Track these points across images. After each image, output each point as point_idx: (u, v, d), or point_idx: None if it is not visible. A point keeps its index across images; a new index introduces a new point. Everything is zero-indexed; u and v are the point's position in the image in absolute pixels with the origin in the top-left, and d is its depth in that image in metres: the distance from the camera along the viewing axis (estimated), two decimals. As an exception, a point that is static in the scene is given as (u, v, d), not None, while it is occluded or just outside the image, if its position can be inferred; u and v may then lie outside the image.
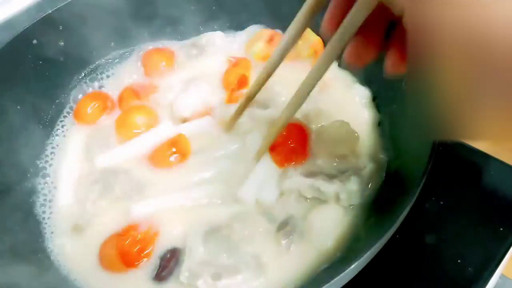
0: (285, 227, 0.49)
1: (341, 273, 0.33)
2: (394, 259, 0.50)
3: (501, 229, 0.52)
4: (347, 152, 0.53)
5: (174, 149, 0.56)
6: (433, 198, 0.54)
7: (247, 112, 0.55)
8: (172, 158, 0.56)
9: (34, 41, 0.61)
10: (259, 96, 0.53)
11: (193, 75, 0.66)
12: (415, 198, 0.39)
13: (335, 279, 0.33)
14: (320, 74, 0.41)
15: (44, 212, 0.55)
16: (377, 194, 0.50)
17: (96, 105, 0.64)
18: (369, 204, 0.50)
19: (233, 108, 0.56)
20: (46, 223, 0.54)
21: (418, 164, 0.40)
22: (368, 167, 0.51)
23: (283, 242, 0.48)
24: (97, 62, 0.69)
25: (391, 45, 0.33)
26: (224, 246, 0.48)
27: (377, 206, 0.49)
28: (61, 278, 0.49)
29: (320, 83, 0.42)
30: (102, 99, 0.65)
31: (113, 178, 0.55)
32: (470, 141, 0.59)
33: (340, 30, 0.34)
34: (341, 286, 0.38)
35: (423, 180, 0.39)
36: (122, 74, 0.69)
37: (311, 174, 0.51)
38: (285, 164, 0.54)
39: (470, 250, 0.50)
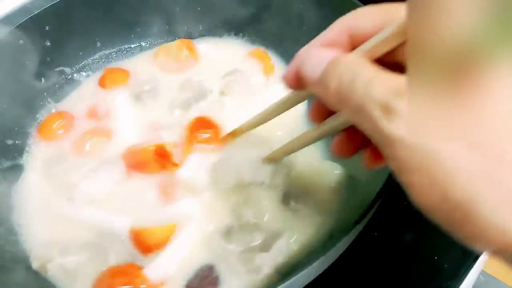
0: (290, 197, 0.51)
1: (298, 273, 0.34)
2: (372, 256, 0.51)
3: (478, 226, 0.52)
4: None
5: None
6: (412, 196, 0.55)
7: None
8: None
9: (21, 41, 0.62)
10: None
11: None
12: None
13: (300, 274, 0.34)
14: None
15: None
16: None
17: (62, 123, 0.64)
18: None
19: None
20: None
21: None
22: None
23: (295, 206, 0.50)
24: (83, 62, 0.70)
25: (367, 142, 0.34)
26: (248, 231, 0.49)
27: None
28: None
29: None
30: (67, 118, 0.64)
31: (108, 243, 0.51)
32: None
33: (321, 128, 0.36)
34: (309, 281, 0.38)
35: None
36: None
37: None
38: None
39: (447, 248, 0.51)
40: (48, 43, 0.65)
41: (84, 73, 0.69)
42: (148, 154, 0.55)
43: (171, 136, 0.59)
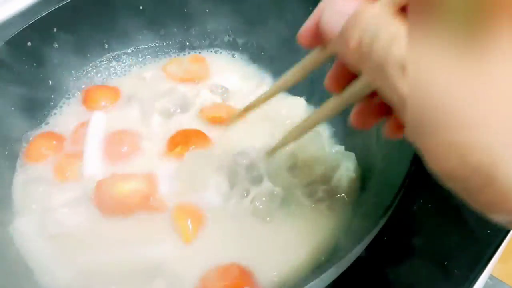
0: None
1: (316, 277, 0.34)
2: (381, 260, 0.50)
3: (488, 231, 0.52)
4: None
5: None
6: (421, 201, 0.55)
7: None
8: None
9: (29, 43, 0.62)
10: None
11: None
12: (391, 208, 0.39)
13: (312, 283, 0.34)
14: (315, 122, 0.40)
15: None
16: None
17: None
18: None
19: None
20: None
21: (399, 170, 0.41)
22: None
23: None
24: (91, 64, 0.69)
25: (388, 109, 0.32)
26: None
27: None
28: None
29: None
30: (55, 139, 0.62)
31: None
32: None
33: (343, 96, 0.33)
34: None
35: (401, 190, 0.39)
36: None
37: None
38: None
39: (457, 253, 0.51)
40: (56, 45, 0.65)
41: (92, 76, 0.70)
42: (128, 202, 0.51)
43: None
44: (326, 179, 0.53)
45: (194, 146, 0.57)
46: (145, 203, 0.52)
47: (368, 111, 0.33)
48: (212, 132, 0.60)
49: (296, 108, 0.62)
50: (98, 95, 0.66)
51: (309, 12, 0.38)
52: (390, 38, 0.23)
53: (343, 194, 0.52)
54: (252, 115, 0.53)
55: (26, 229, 0.52)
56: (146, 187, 0.53)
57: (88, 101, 0.66)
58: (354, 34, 0.25)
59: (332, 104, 0.35)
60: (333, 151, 0.57)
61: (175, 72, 0.68)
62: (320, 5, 0.30)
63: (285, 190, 0.53)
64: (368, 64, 0.24)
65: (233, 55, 0.72)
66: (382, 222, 0.39)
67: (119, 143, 0.59)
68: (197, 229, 0.50)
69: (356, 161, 0.55)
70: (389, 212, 0.39)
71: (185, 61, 0.69)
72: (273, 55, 0.69)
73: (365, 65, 0.25)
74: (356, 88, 0.31)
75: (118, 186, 0.52)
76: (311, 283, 0.34)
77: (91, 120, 0.61)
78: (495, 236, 0.52)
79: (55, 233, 0.51)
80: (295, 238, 0.50)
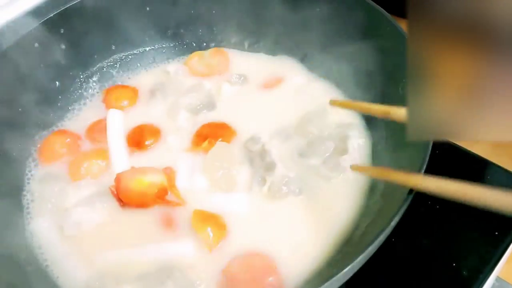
0: None
1: (330, 278, 0.34)
2: (389, 262, 0.50)
3: (496, 233, 0.52)
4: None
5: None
6: (429, 202, 0.55)
7: None
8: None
9: (36, 45, 0.62)
10: None
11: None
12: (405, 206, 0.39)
13: (325, 284, 0.34)
14: None
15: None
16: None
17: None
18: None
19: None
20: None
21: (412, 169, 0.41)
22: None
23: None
24: (98, 65, 0.70)
25: None
26: None
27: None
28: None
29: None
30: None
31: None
32: (467, 141, 0.59)
33: None
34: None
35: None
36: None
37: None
38: None
39: (465, 254, 0.51)
40: (63, 46, 0.65)
41: (99, 78, 0.70)
42: (147, 194, 0.52)
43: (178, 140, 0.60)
44: (342, 150, 0.54)
45: (221, 139, 0.58)
46: (163, 196, 0.53)
47: None
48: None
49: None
50: (118, 95, 0.67)
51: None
52: None
53: (364, 158, 0.55)
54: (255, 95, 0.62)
55: (42, 230, 0.53)
56: (164, 180, 0.53)
57: (108, 101, 0.67)
58: None
59: None
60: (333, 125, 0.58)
61: (197, 67, 0.69)
62: None
63: (304, 173, 0.54)
64: None
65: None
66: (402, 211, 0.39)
67: (142, 137, 0.60)
68: (219, 238, 0.49)
69: (359, 126, 0.57)
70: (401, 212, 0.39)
71: (206, 54, 0.71)
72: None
73: None
74: None
75: (136, 179, 0.52)
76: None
77: (108, 118, 0.62)
78: (503, 238, 0.52)
79: (71, 233, 0.51)
80: (322, 217, 0.51)
